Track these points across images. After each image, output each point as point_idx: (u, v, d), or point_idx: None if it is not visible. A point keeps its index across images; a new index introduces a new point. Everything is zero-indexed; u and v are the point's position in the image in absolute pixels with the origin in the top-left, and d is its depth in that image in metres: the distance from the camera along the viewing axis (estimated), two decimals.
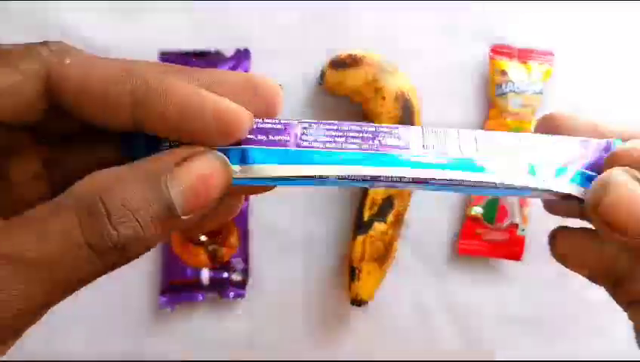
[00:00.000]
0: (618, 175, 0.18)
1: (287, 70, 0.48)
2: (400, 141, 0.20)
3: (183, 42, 0.46)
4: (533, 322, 0.50)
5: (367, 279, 0.46)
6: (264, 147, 0.19)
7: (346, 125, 0.20)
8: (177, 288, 0.47)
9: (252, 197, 0.48)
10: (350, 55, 0.46)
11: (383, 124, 0.21)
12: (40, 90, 0.17)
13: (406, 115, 0.45)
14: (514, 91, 0.48)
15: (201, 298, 0.47)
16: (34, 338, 0.47)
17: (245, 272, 0.48)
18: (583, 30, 0.50)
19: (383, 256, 0.46)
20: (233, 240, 0.47)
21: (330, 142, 0.20)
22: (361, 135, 0.20)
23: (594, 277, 0.23)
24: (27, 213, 0.15)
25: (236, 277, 0.47)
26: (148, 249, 0.16)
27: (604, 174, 0.18)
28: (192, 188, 0.16)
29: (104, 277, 0.50)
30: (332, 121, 0.20)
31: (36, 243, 0.14)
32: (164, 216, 0.16)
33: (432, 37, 0.49)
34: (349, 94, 0.46)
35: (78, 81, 0.16)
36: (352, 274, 0.46)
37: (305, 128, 0.20)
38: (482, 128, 0.49)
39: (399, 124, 0.45)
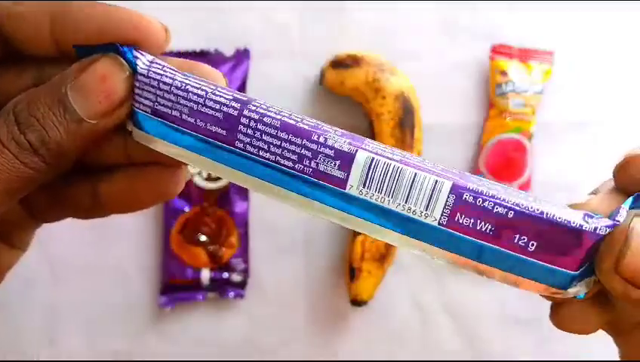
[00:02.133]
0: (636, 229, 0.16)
1: (287, 70, 0.48)
2: (340, 173, 0.17)
3: (183, 42, 0.46)
4: (533, 322, 0.50)
5: (367, 279, 0.46)
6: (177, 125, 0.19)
7: (291, 128, 0.18)
8: (177, 288, 0.47)
9: (253, 197, 0.48)
10: (350, 55, 0.46)
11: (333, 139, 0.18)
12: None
13: (406, 115, 0.45)
14: (514, 91, 0.48)
15: (201, 298, 0.47)
16: (34, 338, 0.47)
17: (245, 272, 0.48)
18: (583, 30, 0.50)
19: (383, 256, 0.46)
20: (233, 240, 0.47)
21: (264, 149, 0.18)
22: (301, 150, 0.18)
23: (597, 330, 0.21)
24: None
25: (236, 277, 0.47)
26: (65, 154, 0.18)
27: (623, 225, 0.16)
28: (86, 88, 0.18)
29: (104, 276, 0.50)
30: (282, 120, 0.18)
31: None
32: (67, 120, 0.17)
33: (432, 37, 0.49)
34: (349, 94, 0.46)
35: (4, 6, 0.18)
36: (352, 274, 0.46)
37: (247, 123, 0.18)
38: (482, 128, 0.49)
39: (399, 124, 0.45)
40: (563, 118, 0.50)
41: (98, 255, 0.47)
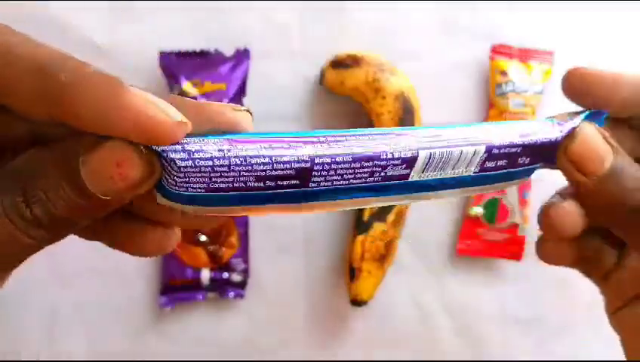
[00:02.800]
0: (586, 126, 0.22)
1: (287, 70, 0.48)
2: (404, 171, 0.20)
3: (183, 42, 0.46)
4: (533, 322, 0.50)
5: (367, 279, 0.46)
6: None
7: (358, 158, 0.19)
8: (177, 288, 0.47)
9: None
10: (350, 55, 0.46)
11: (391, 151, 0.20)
12: None
13: (406, 115, 0.45)
14: (514, 91, 0.48)
15: (201, 298, 0.47)
16: (34, 338, 0.47)
17: (245, 272, 0.48)
18: (583, 30, 0.50)
19: (383, 256, 0.46)
20: (233, 240, 0.47)
21: (337, 180, 0.19)
22: (372, 168, 0.20)
23: (583, 270, 0.26)
24: None
25: (236, 277, 0.47)
26: (73, 225, 0.17)
27: (578, 126, 0.23)
28: (102, 171, 0.16)
29: (104, 276, 0.50)
30: (352, 154, 0.19)
31: None
32: (77, 196, 0.16)
33: (432, 37, 0.49)
34: (349, 94, 0.46)
35: None
36: (352, 274, 0.46)
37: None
38: None
39: (399, 124, 0.45)
40: None
41: (98, 255, 0.47)
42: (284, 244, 0.48)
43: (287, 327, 0.49)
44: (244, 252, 0.48)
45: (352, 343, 0.49)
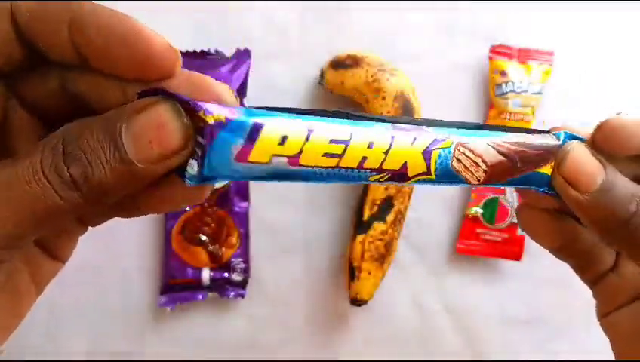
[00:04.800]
0: (576, 144, 0.23)
1: (287, 70, 0.48)
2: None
3: (184, 42, 0.47)
4: (533, 322, 0.50)
5: (367, 279, 0.46)
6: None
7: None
8: (177, 288, 0.47)
9: (253, 197, 0.48)
10: (350, 55, 0.46)
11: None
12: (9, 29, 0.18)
13: (406, 115, 0.45)
14: (514, 91, 0.48)
15: (201, 298, 0.47)
16: (34, 338, 0.47)
17: (245, 272, 0.48)
18: (583, 30, 0.50)
19: (383, 256, 0.46)
20: (233, 240, 0.48)
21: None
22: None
23: (559, 253, 0.26)
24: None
25: (236, 277, 0.47)
26: (106, 193, 0.17)
27: (567, 144, 0.23)
28: (142, 135, 0.17)
29: (104, 276, 0.50)
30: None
31: (9, 171, 0.16)
32: (116, 160, 0.17)
33: (431, 37, 0.49)
34: (349, 94, 0.46)
35: (28, 9, 0.17)
36: (352, 273, 0.46)
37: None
38: None
39: None
40: (563, 118, 0.50)
41: (98, 255, 0.47)
42: (284, 244, 0.49)
43: (287, 327, 0.49)
44: (244, 252, 0.48)
45: (352, 343, 0.49)
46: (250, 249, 0.48)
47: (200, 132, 0.17)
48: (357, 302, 0.46)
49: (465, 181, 0.21)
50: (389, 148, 0.19)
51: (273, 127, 0.18)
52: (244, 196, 0.48)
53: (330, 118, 0.19)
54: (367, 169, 0.19)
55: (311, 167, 0.18)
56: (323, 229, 0.49)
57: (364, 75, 0.45)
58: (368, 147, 0.19)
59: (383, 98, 0.45)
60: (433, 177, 0.20)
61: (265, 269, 0.48)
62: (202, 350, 0.48)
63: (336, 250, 0.49)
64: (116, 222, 0.49)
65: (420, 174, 0.20)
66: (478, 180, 0.21)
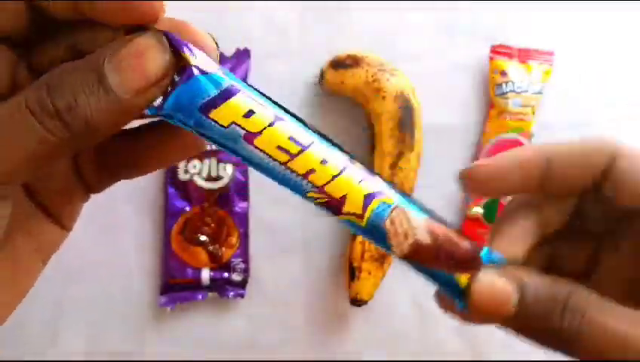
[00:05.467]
0: (480, 277, 0.21)
1: (287, 70, 0.48)
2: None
3: None
4: None
5: (367, 279, 0.46)
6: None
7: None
8: (177, 288, 0.47)
9: (252, 197, 0.48)
10: (350, 55, 0.46)
11: None
12: None
13: (406, 115, 0.45)
14: (514, 91, 0.48)
15: (201, 298, 0.47)
16: (34, 338, 0.47)
17: (245, 272, 0.48)
18: (583, 30, 0.50)
19: (383, 256, 0.46)
20: (233, 240, 0.48)
21: None
22: None
23: None
24: None
25: (236, 277, 0.47)
26: (92, 127, 0.17)
27: (477, 277, 0.21)
28: (124, 64, 0.17)
29: (104, 276, 0.50)
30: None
31: (3, 113, 0.17)
32: (100, 91, 0.17)
33: (431, 37, 0.49)
34: (349, 94, 0.46)
35: None
36: (352, 273, 0.46)
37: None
38: (482, 128, 0.49)
39: (399, 124, 0.45)
40: (563, 118, 0.50)
41: (98, 255, 0.47)
42: (284, 244, 0.49)
43: (287, 327, 0.49)
44: (244, 252, 0.48)
45: (352, 343, 0.49)
46: (249, 249, 0.48)
47: (179, 72, 0.18)
48: (357, 302, 0.46)
49: (388, 246, 0.20)
50: (338, 174, 0.19)
51: (246, 98, 0.18)
52: (244, 196, 0.48)
53: (300, 123, 0.20)
54: (310, 182, 0.19)
55: (261, 152, 0.19)
56: (322, 229, 0.49)
57: (364, 75, 0.45)
58: (321, 162, 0.19)
59: (383, 98, 0.45)
60: (363, 224, 0.20)
61: (265, 269, 0.48)
62: (202, 350, 0.48)
63: (336, 249, 0.49)
64: (117, 223, 0.49)
65: (353, 214, 0.20)
66: (402, 252, 0.20)
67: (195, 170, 0.47)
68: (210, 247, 0.47)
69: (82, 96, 0.17)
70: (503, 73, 0.48)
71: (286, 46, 0.48)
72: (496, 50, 0.48)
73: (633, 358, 0.19)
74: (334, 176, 0.19)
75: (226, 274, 0.47)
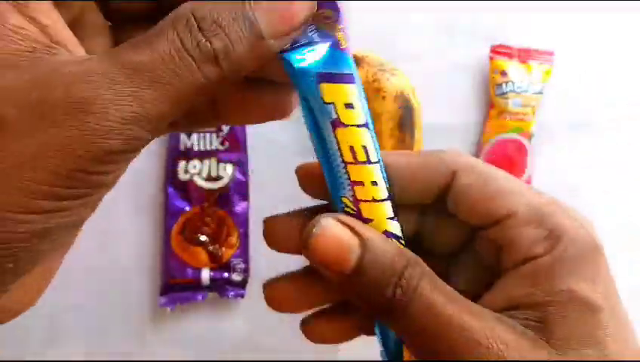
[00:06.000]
0: (325, 220, 0.20)
1: None
2: None
3: None
4: None
5: None
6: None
7: None
8: (177, 288, 0.47)
9: (252, 197, 0.48)
10: None
11: None
12: None
13: (406, 115, 0.45)
14: (514, 91, 0.48)
15: (201, 298, 0.47)
16: (34, 338, 0.47)
17: (245, 272, 0.48)
18: (583, 30, 0.50)
19: None
20: (233, 240, 0.48)
21: None
22: None
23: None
24: (138, 37, 0.17)
25: (236, 277, 0.47)
26: (240, 68, 0.17)
27: (315, 218, 0.20)
28: (272, 8, 0.17)
29: (104, 276, 0.50)
30: None
31: (149, 53, 0.16)
32: (250, 34, 0.17)
33: (432, 37, 0.49)
34: None
35: None
36: None
37: None
38: (482, 128, 0.49)
39: (399, 124, 0.45)
40: (563, 118, 0.50)
41: (98, 255, 0.47)
42: None
43: (287, 327, 0.49)
44: (244, 252, 0.48)
45: (351, 343, 0.49)
46: (250, 249, 0.48)
47: (319, 31, 0.20)
48: None
49: None
50: (378, 200, 0.20)
51: (355, 92, 0.20)
52: (244, 196, 0.48)
53: (376, 143, 0.20)
54: (353, 190, 0.20)
55: (336, 140, 0.19)
56: None
57: (364, 75, 0.45)
58: (372, 182, 0.20)
59: (383, 98, 0.45)
60: None
61: (265, 269, 0.48)
62: (202, 350, 0.48)
63: None
64: (117, 223, 0.49)
65: None
66: None
67: (195, 170, 0.47)
68: (210, 247, 0.47)
69: (237, 40, 0.17)
70: (503, 73, 0.48)
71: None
72: (496, 50, 0.48)
73: (452, 341, 0.18)
74: (374, 200, 0.20)
75: (226, 274, 0.47)
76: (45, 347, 0.47)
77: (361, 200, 0.20)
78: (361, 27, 0.49)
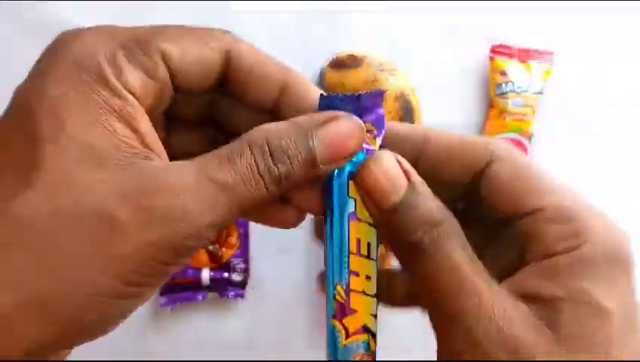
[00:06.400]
0: (382, 154, 0.21)
1: None
2: None
3: None
4: None
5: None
6: None
7: None
8: (177, 288, 0.47)
9: None
10: (350, 55, 0.46)
11: None
12: (222, 65, 0.22)
13: (406, 115, 0.45)
14: (514, 91, 0.48)
15: (201, 298, 0.47)
16: None
17: (245, 272, 0.48)
18: (583, 30, 0.50)
19: (383, 257, 0.46)
20: (233, 240, 0.48)
21: None
22: None
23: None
24: (209, 153, 0.19)
25: (236, 277, 0.47)
26: (294, 187, 0.20)
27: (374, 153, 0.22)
28: (331, 143, 0.20)
29: None
30: None
31: (232, 174, 0.19)
32: (308, 162, 0.20)
33: (432, 37, 0.49)
34: None
35: (251, 61, 0.23)
36: None
37: None
38: (482, 128, 0.49)
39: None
40: (563, 118, 0.50)
41: None
42: (284, 244, 0.49)
43: (287, 327, 0.49)
44: (244, 252, 0.48)
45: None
46: (250, 249, 0.48)
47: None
48: None
49: None
50: (367, 294, 0.22)
51: None
52: None
53: (378, 242, 0.23)
54: (348, 278, 0.22)
55: (348, 230, 0.22)
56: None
57: (364, 75, 0.45)
58: (367, 277, 0.22)
59: None
60: (342, 345, 0.24)
61: (265, 269, 0.48)
62: (202, 350, 0.48)
63: None
64: None
65: (345, 329, 0.23)
66: None
67: None
68: (210, 247, 0.47)
69: (297, 166, 0.20)
70: (503, 73, 0.48)
71: (286, 46, 0.48)
72: (496, 50, 0.48)
73: (460, 300, 0.19)
74: (364, 292, 0.22)
75: (226, 274, 0.47)
76: None
77: (353, 291, 0.22)
78: (361, 27, 0.49)
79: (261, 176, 0.19)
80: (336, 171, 0.21)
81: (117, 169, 0.18)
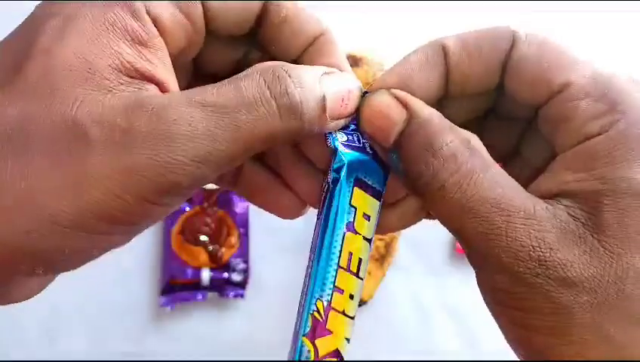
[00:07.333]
0: (375, 93, 0.20)
1: None
2: None
3: None
4: None
5: (367, 279, 0.46)
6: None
7: None
8: (177, 288, 0.47)
9: None
10: (350, 55, 0.46)
11: None
12: (259, 12, 0.20)
13: None
14: None
15: (201, 298, 0.47)
16: (35, 338, 0.47)
17: (245, 272, 0.48)
18: (582, 30, 0.50)
19: (383, 256, 0.46)
20: (233, 240, 0.48)
21: None
22: None
23: None
24: (221, 82, 0.17)
25: (236, 277, 0.47)
26: (302, 132, 0.18)
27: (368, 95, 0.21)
28: (339, 93, 0.19)
29: (104, 276, 0.50)
30: None
31: (233, 95, 0.17)
32: (321, 106, 0.18)
33: (432, 37, 0.49)
34: None
35: (288, 11, 0.22)
36: None
37: None
38: None
39: None
40: None
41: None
42: (284, 244, 0.49)
43: (287, 327, 0.49)
44: (244, 252, 0.48)
45: (351, 343, 0.49)
46: (250, 249, 0.48)
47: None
48: None
49: None
50: (347, 315, 0.22)
51: (377, 208, 0.21)
52: None
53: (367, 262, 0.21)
54: (330, 295, 0.21)
55: (342, 242, 0.21)
56: None
57: (364, 75, 0.45)
58: (350, 296, 0.21)
59: None
60: None
61: (265, 269, 0.48)
62: (202, 350, 0.48)
63: None
64: None
65: (315, 349, 0.23)
66: None
67: None
68: (210, 247, 0.47)
69: (314, 102, 0.18)
70: None
71: None
72: None
73: (485, 218, 0.17)
74: (344, 313, 0.21)
75: (226, 274, 0.47)
76: (45, 346, 0.47)
77: (333, 309, 0.21)
78: (361, 27, 0.49)
79: (275, 100, 0.17)
80: (343, 174, 0.20)
81: (102, 88, 0.16)
